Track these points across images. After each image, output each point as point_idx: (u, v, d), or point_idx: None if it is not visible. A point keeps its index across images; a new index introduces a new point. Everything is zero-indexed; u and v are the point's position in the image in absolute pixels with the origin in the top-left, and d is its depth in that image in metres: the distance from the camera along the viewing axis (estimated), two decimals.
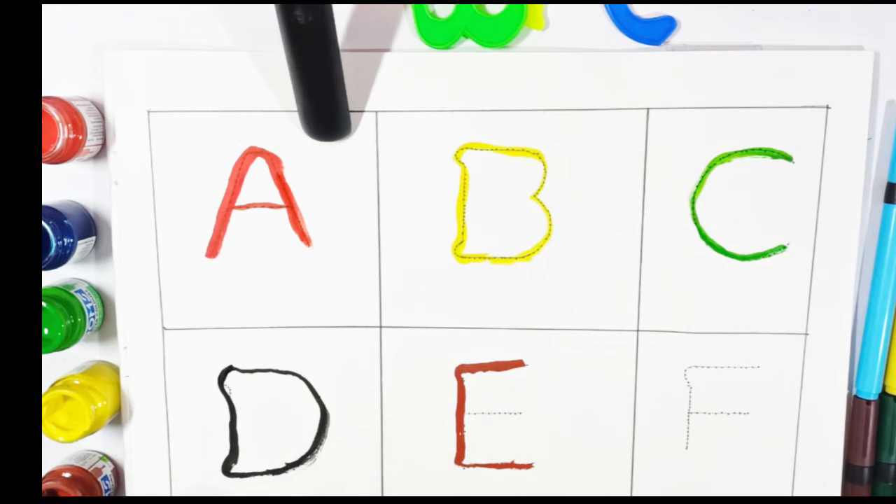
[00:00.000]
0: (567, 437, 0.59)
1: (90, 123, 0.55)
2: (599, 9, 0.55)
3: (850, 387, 0.58)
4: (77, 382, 0.56)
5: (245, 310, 0.58)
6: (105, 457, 0.61)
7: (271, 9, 0.49)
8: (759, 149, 0.55)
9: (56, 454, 0.60)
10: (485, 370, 0.59)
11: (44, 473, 0.58)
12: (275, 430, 0.60)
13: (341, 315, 0.58)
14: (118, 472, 0.61)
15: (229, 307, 0.58)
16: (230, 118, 0.56)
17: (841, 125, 0.55)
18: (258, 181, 0.57)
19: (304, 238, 0.58)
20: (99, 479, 0.59)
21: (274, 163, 0.57)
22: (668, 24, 0.55)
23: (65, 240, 0.54)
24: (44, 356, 0.58)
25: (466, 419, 0.59)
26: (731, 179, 0.56)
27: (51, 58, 0.56)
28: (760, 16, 0.55)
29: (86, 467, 0.59)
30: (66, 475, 0.58)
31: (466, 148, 0.56)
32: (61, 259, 0.55)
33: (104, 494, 0.59)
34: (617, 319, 0.58)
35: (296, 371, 0.59)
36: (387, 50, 0.56)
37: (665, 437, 0.59)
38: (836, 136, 0.55)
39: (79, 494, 0.57)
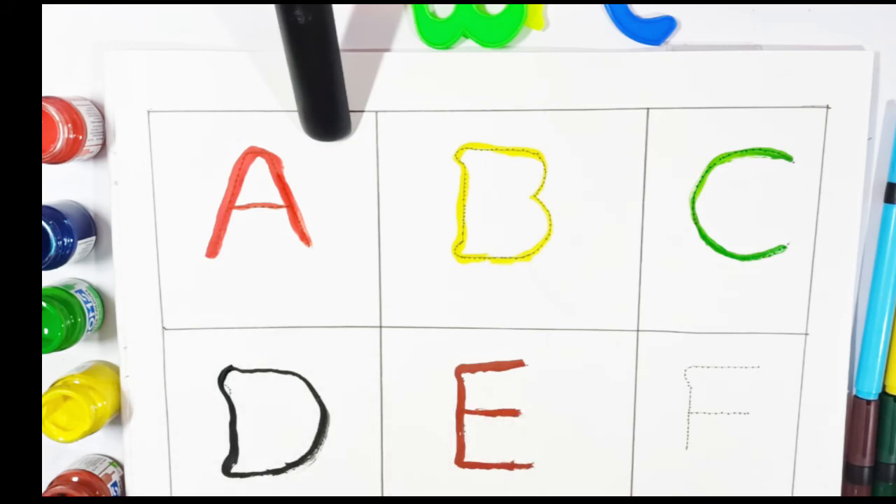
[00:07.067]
0: (567, 437, 0.59)
1: (90, 123, 0.55)
2: (599, 9, 0.55)
3: (850, 387, 0.58)
4: (77, 382, 0.56)
5: (245, 310, 0.58)
6: (115, 462, 0.60)
7: (271, 9, 0.49)
8: (759, 149, 0.55)
9: (66, 458, 0.60)
10: (485, 370, 0.59)
11: (53, 477, 0.58)
12: (275, 430, 0.60)
13: (341, 315, 0.58)
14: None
15: (229, 307, 0.58)
16: (230, 118, 0.56)
17: (841, 125, 0.55)
18: (258, 181, 0.57)
19: (304, 238, 0.58)
20: (108, 486, 0.58)
21: (274, 163, 0.57)
22: (668, 24, 0.55)
23: (65, 240, 0.54)
24: (44, 356, 0.58)
25: (466, 419, 0.59)
26: (731, 179, 0.56)
27: (51, 58, 0.56)
28: (760, 16, 0.55)
29: (96, 472, 0.58)
30: (75, 479, 0.57)
31: (466, 148, 0.56)
32: (61, 259, 0.54)
33: None
34: (617, 319, 0.58)
35: (296, 371, 0.59)
36: (387, 50, 0.56)
37: (665, 437, 0.59)
38: (836, 136, 0.55)
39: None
